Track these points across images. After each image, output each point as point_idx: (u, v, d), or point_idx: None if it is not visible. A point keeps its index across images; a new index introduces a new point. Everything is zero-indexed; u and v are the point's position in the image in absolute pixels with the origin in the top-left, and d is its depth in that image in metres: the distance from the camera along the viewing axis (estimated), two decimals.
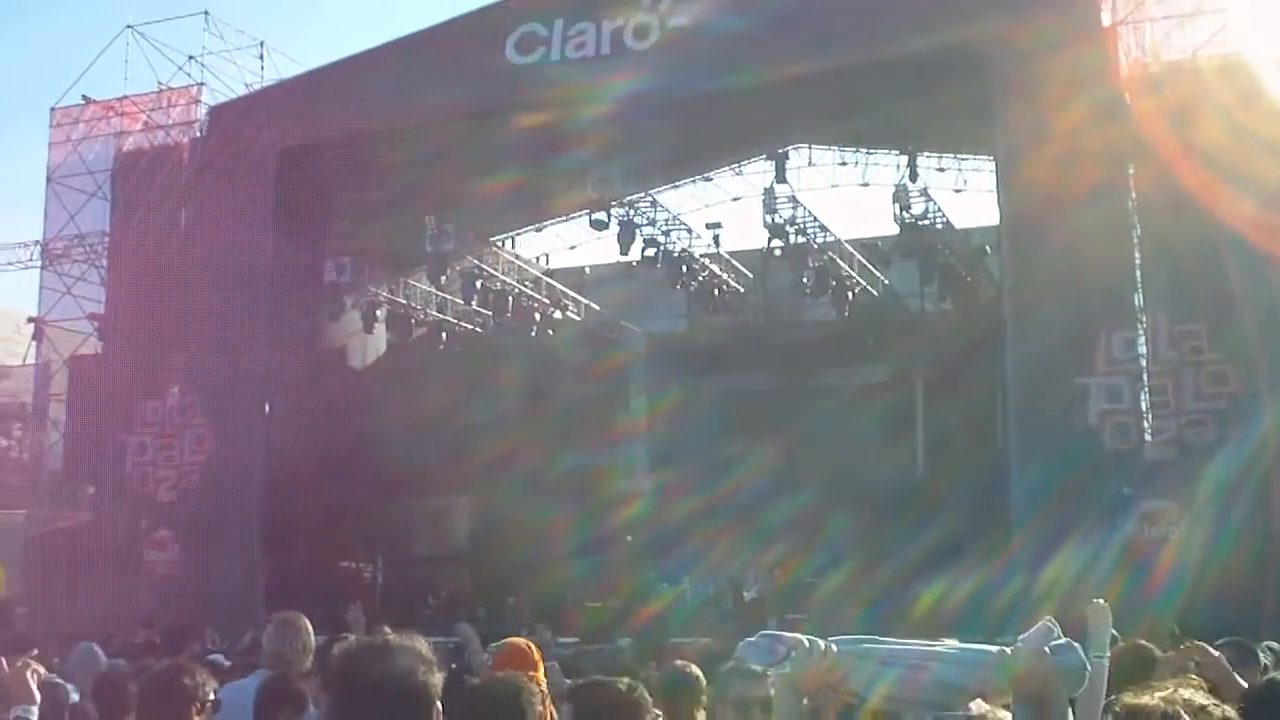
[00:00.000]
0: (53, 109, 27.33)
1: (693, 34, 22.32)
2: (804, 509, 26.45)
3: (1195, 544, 17.64)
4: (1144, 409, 19.79)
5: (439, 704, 3.24)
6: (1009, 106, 20.59)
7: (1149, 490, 19.22)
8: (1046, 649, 3.70)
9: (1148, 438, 19.71)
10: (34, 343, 28.90)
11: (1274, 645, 8.95)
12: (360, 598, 25.90)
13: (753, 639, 4.07)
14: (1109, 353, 19.64)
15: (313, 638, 7.28)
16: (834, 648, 3.88)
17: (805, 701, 3.99)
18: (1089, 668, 3.83)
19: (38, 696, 4.74)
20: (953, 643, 4.21)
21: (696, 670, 5.57)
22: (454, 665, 8.94)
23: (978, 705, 3.90)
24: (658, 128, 24.24)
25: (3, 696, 4.75)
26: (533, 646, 6.01)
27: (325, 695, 3.52)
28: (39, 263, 28.70)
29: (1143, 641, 7.21)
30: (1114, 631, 8.28)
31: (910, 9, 21.44)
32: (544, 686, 5.22)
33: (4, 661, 4.89)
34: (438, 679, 3.24)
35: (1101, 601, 5.49)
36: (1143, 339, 19.76)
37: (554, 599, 26.97)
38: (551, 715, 5.33)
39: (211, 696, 5.33)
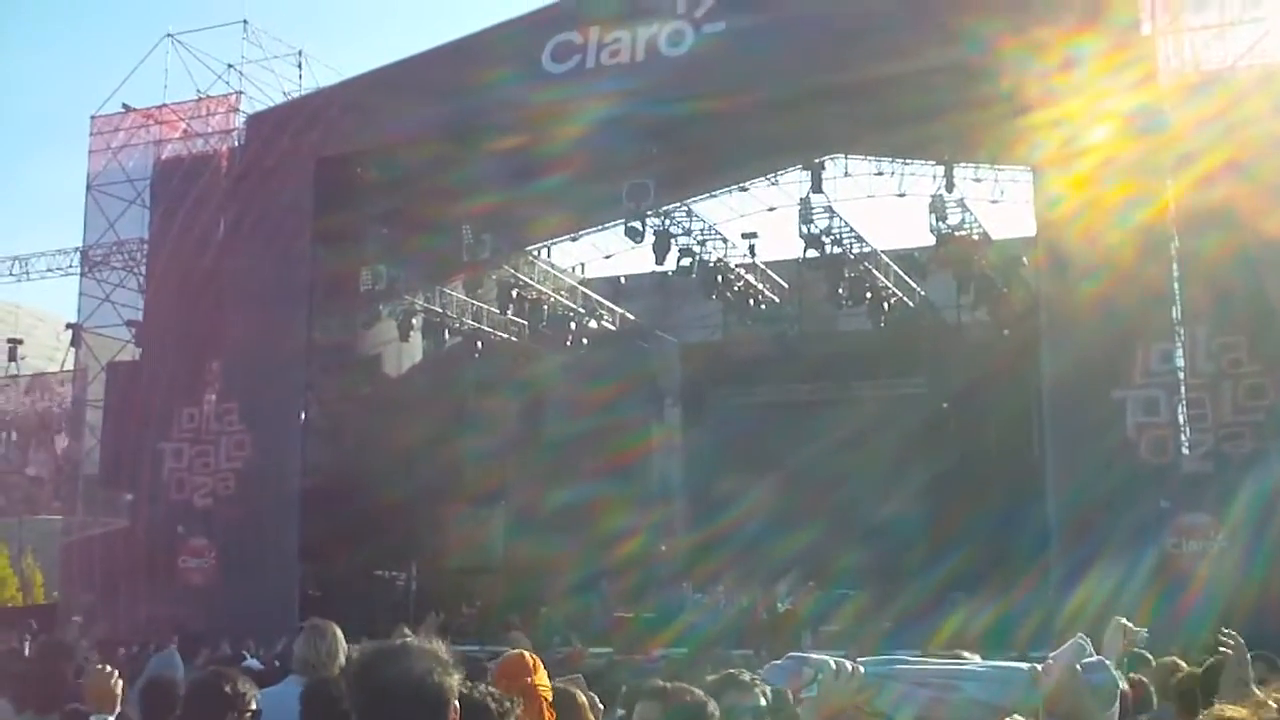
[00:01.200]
0: (93, 117, 27.64)
1: (728, 42, 22.33)
2: (834, 525, 26.41)
3: (1231, 560, 17.50)
4: (1181, 422, 19.65)
5: (456, 704, 3.26)
6: (1045, 110, 20.48)
7: (1186, 503, 19.10)
8: (1078, 667, 3.67)
9: (1185, 451, 19.58)
10: (72, 349, 29.13)
11: None
12: (394, 606, 26.19)
13: (779, 661, 4.05)
14: (1146, 365, 19.51)
15: (341, 644, 7.31)
16: (861, 669, 3.86)
17: None
18: (1120, 687, 3.79)
19: (119, 706, 4.80)
20: (981, 660, 4.18)
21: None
22: None
23: None
24: (693, 139, 24.23)
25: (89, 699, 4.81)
26: (528, 655, 5.99)
27: (348, 694, 3.56)
28: (78, 270, 28.94)
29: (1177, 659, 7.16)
30: (1144, 651, 8.21)
31: (948, 21, 21.35)
32: (545, 692, 5.22)
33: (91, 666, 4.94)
34: (454, 680, 3.27)
35: (1122, 619, 5.46)
36: (1180, 351, 19.63)
37: (586, 609, 26.99)
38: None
39: (254, 706, 5.37)
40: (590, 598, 27.42)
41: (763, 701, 4.95)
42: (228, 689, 5.34)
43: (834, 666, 3.85)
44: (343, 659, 7.26)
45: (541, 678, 5.29)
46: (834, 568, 26.19)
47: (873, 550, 26.28)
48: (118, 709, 4.79)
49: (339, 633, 7.39)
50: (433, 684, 3.21)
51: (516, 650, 6.17)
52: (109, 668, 4.86)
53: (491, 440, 31.88)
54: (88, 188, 27.48)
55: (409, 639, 3.39)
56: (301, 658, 7.30)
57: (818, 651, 4.05)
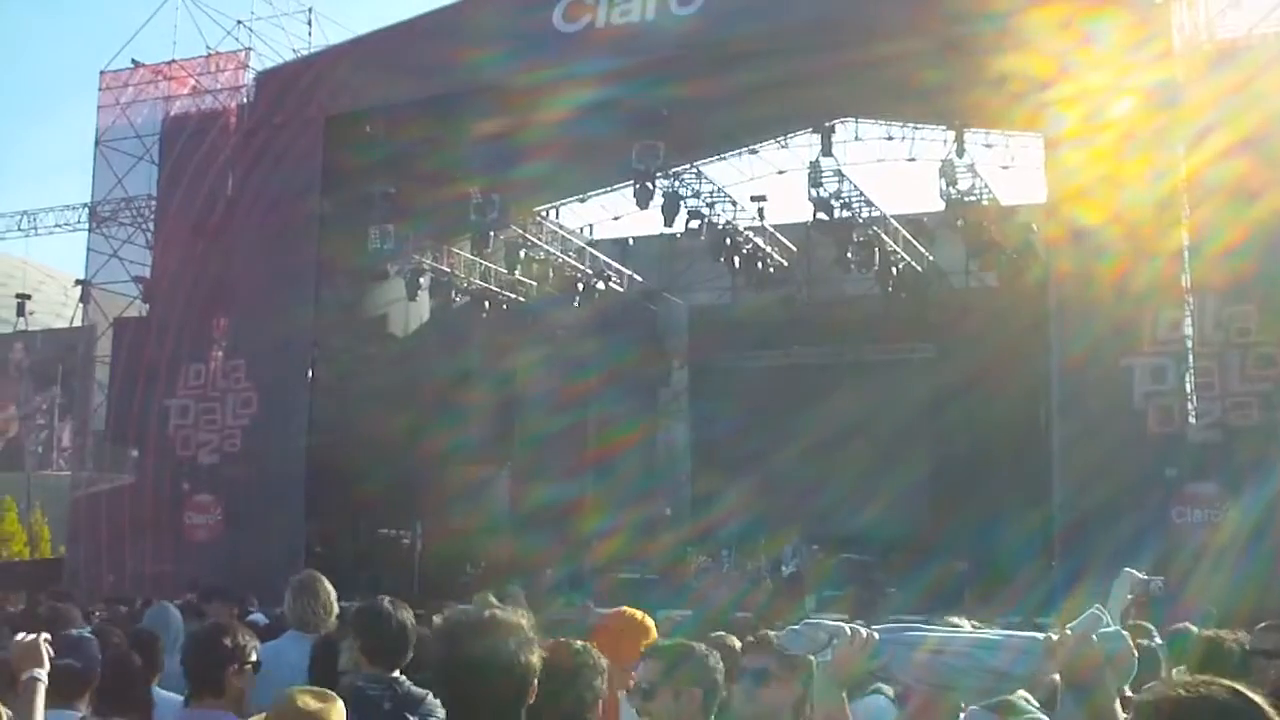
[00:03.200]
0: (102, 72, 27.55)
1: (740, 2, 22.23)
2: (851, 489, 26.44)
3: (1241, 531, 17.49)
4: (1189, 390, 19.63)
5: (536, 681, 3.28)
6: (1060, 85, 20.40)
7: (1192, 473, 19.11)
8: (1094, 636, 3.66)
9: (1192, 420, 19.56)
10: (80, 305, 29.14)
11: None
12: (399, 565, 26.28)
13: (796, 626, 4.06)
14: (1154, 333, 19.46)
15: (334, 596, 7.33)
16: (876, 635, 3.87)
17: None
18: (1136, 654, 3.79)
19: (47, 663, 4.79)
20: (995, 630, 4.18)
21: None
22: None
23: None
24: (703, 100, 24.14)
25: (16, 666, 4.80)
26: (647, 619, 5.93)
27: (434, 663, 3.53)
28: (86, 226, 28.91)
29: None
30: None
31: None
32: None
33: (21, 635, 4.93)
34: (537, 657, 3.28)
35: (1130, 569, 5.43)
36: (1189, 320, 19.59)
37: (591, 570, 27.08)
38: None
39: (253, 657, 5.42)
40: (595, 558, 27.52)
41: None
42: (227, 641, 5.39)
43: (849, 633, 3.86)
44: (336, 610, 7.29)
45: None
46: (837, 535, 26.24)
47: (878, 520, 26.30)
48: (46, 665, 4.79)
49: (329, 585, 7.40)
50: (521, 662, 3.24)
51: (624, 611, 6.13)
52: (30, 636, 4.86)
53: (499, 401, 31.89)
54: (96, 143, 27.41)
55: (496, 611, 3.36)
56: (299, 613, 7.31)
57: (823, 616, 4.05)
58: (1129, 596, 4.86)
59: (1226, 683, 2.66)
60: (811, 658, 4.11)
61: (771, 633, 5.15)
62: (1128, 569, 4.35)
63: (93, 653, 5.65)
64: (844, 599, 22.14)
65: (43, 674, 4.77)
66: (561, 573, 26.69)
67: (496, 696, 3.18)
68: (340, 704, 4.05)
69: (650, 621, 5.87)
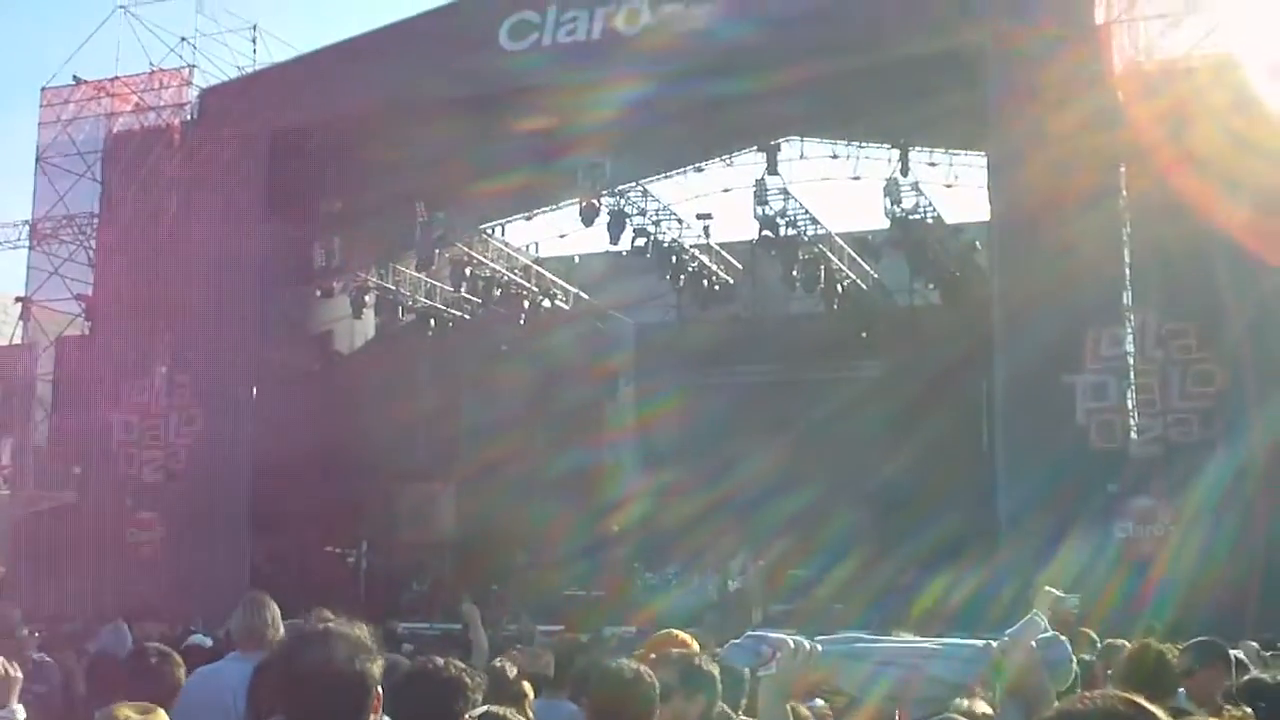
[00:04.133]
0: (43, 89, 27.28)
1: (685, 22, 22.32)
2: (798, 508, 26.46)
3: (1188, 550, 17.67)
4: (1130, 407, 19.84)
5: (378, 690, 3.25)
6: (1003, 106, 20.60)
7: (1134, 488, 19.29)
8: (1033, 644, 3.71)
9: (1133, 436, 19.75)
10: (21, 323, 28.84)
11: (1253, 644, 8.99)
12: (346, 583, 26.14)
13: (738, 640, 4.09)
14: (1096, 350, 19.68)
15: (279, 617, 7.29)
16: (819, 648, 3.89)
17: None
18: (1075, 662, 3.85)
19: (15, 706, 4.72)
20: (937, 639, 4.22)
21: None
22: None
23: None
24: (650, 123, 24.20)
25: None
26: (690, 639, 6.16)
27: (273, 678, 3.55)
28: (27, 243, 28.62)
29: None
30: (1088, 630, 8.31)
31: (905, 13, 21.47)
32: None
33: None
34: (377, 667, 3.26)
35: (1049, 588, 5.55)
36: (1130, 337, 19.80)
37: (538, 588, 27.02)
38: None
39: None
40: (543, 576, 27.46)
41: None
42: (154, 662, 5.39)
43: (793, 645, 3.88)
44: (282, 632, 7.25)
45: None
46: (799, 554, 26.26)
47: (836, 540, 26.30)
48: (13, 700, 4.72)
49: (275, 606, 7.36)
50: (354, 671, 3.20)
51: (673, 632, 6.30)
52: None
53: (444, 418, 31.80)
54: (37, 160, 27.14)
55: (331, 624, 3.37)
56: (245, 630, 7.25)
57: (770, 630, 4.08)
58: (1046, 613, 4.94)
59: (1124, 695, 2.70)
60: (747, 672, 4.14)
61: (718, 649, 5.24)
62: (1046, 587, 4.40)
63: (54, 678, 5.63)
64: (790, 614, 22.19)
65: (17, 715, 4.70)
66: (508, 589, 26.62)
67: (334, 709, 3.18)
68: (162, 714, 4.03)
69: (694, 641, 6.18)
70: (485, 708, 4.65)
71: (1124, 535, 18.77)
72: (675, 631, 6.36)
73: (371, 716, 3.24)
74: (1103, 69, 19.96)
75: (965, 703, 4.19)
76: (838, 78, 22.26)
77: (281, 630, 7.24)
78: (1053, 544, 17.61)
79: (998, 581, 18.85)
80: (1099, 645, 10.18)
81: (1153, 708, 2.70)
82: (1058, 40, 19.87)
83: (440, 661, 4.41)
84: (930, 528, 23.89)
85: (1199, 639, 7.16)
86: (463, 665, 4.47)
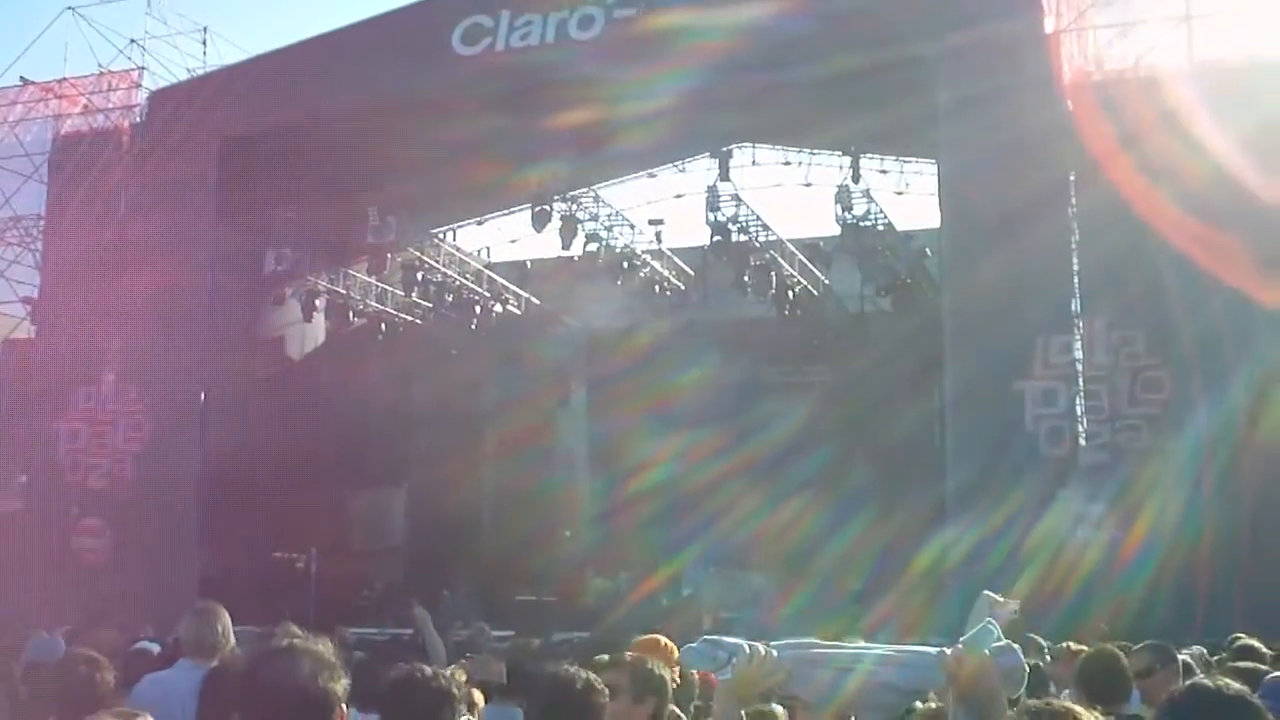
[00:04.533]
0: None
1: (638, 27, 22.34)
2: (750, 513, 26.53)
3: (1136, 555, 17.80)
4: (1079, 413, 19.98)
5: (342, 708, 3.25)
6: (952, 115, 20.71)
7: (1082, 494, 19.42)
8: (987, 651, 3.73)
9: (1082, 442, 19.89)
10: None
11: (1201, 650, 9.07)
12: (295, 589, 25.99)
13: (694, 644, 4.09)
14: (1046, 357, 19.82)
15: (230, 627, 7.24)
16: (774, 653, 3.89)
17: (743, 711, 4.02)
18: (1027, 668, 3.87)
19: None
20: (892, 646, 4.23)
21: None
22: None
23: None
24: (603, 130, 24.22)
25: None
26: (672, 645, 6.17)
27: (234, 694, 3.54)
28: None
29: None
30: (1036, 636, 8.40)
31: (855, 24, 21.56)
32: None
33: None
34: (341, 684, 3.26)
35: (990, 593, 5.59)
36: (1079, 344, 19.95)
37: (489, 593, 26.96)
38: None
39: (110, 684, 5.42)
40: (495, 580, 27.41)
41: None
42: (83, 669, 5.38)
43: (748, 650, 3.88)
44: (233, 640, 7.20)
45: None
46: (734, 557, 26.33)
47: (774, 541, 26.37)
48: None
49: (226, 615, 7.31)
50: (318, 689, 3.19)
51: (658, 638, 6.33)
52: None
53: (395, 423, 31.67)
54: None
55: (295, 640, 3.35)
56: (195, 640, 7.19)
57: (721, 636, 4.08)
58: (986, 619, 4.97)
59: (1063, 704, 2.76)
60: (696, 675, 4.15)
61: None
62: (986, 592, 4.41)
63: None
64: (739, 622, 22.22)
65: None
66: (459, 594, 26.54)
67: None
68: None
69: (674, 646, 6.24)
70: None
71: (1071, 540, 18.88)
72: (660, 637, 6.37)
73: None
74: (1052, 78, 20.11)
75: (919, 705, 4.21)
76: (790, 87, 22.33)
77: (232, 640, 7.20)
78: (1003, 549, 17.72)
79: (947, 586, 18.94)
80: (1046, 651, 10.25)
81: (1089, 716, 2.75)
82: (1007, 50, 20.01)
83: (429, 670, 4.40)
84: (881, 532, 23.98)
85: (1152, 641, 7.23)
86: (449, 675, 4.46)
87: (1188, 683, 5.70)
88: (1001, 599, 4.22)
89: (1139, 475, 18.71)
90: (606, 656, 5.87)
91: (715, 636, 4.07)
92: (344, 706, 3.25)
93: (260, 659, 3.30)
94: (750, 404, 29.75)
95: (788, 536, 26.23)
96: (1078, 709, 2.87)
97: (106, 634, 10.58)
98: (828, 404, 29.37)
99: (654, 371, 31.99)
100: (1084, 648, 8.29)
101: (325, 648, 3.27)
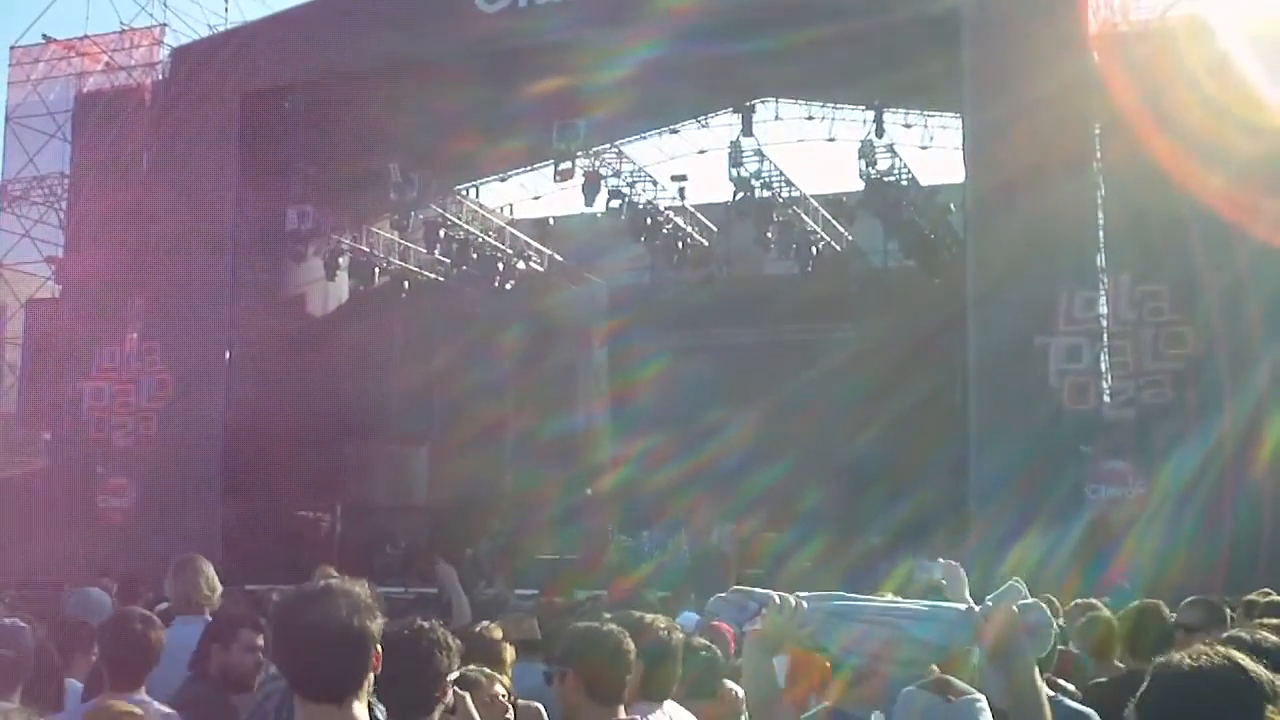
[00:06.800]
0: (12, 48, 27.05)
1: None
2: (770, 477, 26.46)
3: (1159, 519, 17.75)
4: (1104, 369, 19.90)
5: (379, 647, 3.29)
6: (979, 70, 20.58)
7: (1106, 450, 19.37)
8: (1015, 608, 3.71)
9: (1106, 398, 19.82)
10: None
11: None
12: (318, 545, 26.10)
13: (724, 595, 4.08)
14: (1070, 312, 19.73)
15: (215, 577, 7.25)
16: (805, 605, 3.88)
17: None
18: (1055, 626, 3.85)
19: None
20: (922, 601, 4.21)
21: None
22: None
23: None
24: (626, 82, 24.10)
25: None
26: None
27: (273, 636, 3.58)
28: None
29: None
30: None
31: None
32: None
33: None
34: (377, 625, 3.30)
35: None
36: (1104, 299, 19.85)
37: (512, 552, 27.00)
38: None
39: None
40: (516, 539, 27.44)
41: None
42: (138, 627, 5.42)
43: (778, 601, 3.87)
44: (219, 589, 7.22)
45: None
46: (773, 526, 26.27)
47: (810, 513, 26.30)
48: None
49: (209, 566, 7.33)
50: (355, 628, 3.23)
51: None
52: None
53: (418, 380, 31.71)
54: (6, 120, 26.93)
55: (333, 581, 3.37)
56: (182, 595, 7.20)
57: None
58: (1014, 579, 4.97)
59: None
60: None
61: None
62: (1014, 580, 4.30)
63: (26, 642, 5.59)
64: (762, 579, 22.20)
65: None
66: (482, 552, 26.59)
67: (334, 665, 3.20)
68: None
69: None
70: (461, 669, 4.65)
71: (1095, 497, 18.84)
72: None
73: (370, 674, 3.28)
74: (1079, 31, 19.93)
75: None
76: (815, 42, 22.17)
77: (218, 589, 7.22)
78: (1024, 510, 17.68)
79: (967, 560, 18.87)
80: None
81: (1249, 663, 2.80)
82: (1033, 2, 19.84)
83: (424, 622, 4.40)
84: (904, 499, 23.91)
85: (1200, 597, 7.25)
86: (442, 627, 4.45)
87: (1225, 634, 5.68)
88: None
89: (1162, 432, 18.65)
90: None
91: (746, 588, 4.06)
92: (379, 645, 3.28)
93: (297, 600, 3.33)
94: (775, 363, 29.69)
95: (803, 495, 26.21)
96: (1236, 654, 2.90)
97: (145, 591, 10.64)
98: (849, 363, 29.26)
99: (676, 330, 32.01)
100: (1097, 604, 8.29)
101: (362, 588, 3.30)
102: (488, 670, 5.37)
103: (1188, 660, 2.87)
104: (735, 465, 27.09)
